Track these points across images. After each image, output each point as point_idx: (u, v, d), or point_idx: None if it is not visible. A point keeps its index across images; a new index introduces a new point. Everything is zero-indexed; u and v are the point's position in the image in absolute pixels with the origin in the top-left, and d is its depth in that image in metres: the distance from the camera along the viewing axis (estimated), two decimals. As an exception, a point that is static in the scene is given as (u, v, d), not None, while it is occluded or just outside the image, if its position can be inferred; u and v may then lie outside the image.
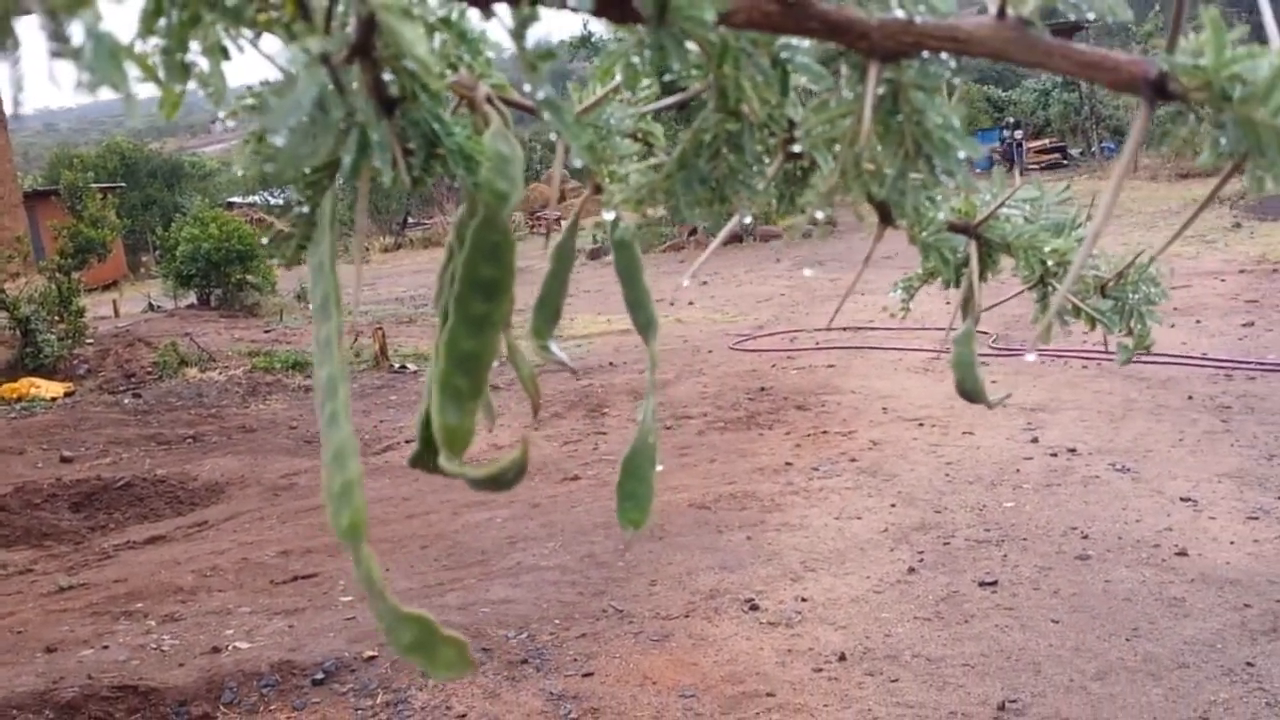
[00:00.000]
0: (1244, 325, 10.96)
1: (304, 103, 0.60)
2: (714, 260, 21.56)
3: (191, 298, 20.55)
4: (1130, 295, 1.19)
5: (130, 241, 34.27)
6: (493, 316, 0.72)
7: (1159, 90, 0.65)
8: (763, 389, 10.34)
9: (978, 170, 0.79)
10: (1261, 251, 15.35)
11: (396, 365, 13.26)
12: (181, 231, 19.44)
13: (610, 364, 12.19)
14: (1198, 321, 11.27)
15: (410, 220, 38.60)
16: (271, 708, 4.77)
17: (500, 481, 0.73)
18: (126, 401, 12.36)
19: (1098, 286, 1.19)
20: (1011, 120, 36.93)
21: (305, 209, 0.68)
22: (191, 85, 0.65)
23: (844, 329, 12.78)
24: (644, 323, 0.99)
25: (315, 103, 0.61)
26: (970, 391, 1.13)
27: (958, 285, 1.13)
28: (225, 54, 0.64)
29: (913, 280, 1.25)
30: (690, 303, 16.87)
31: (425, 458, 0.78)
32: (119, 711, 4.78)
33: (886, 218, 0.92)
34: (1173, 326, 11.04)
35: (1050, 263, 1.14)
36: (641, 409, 0.95)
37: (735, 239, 23.91)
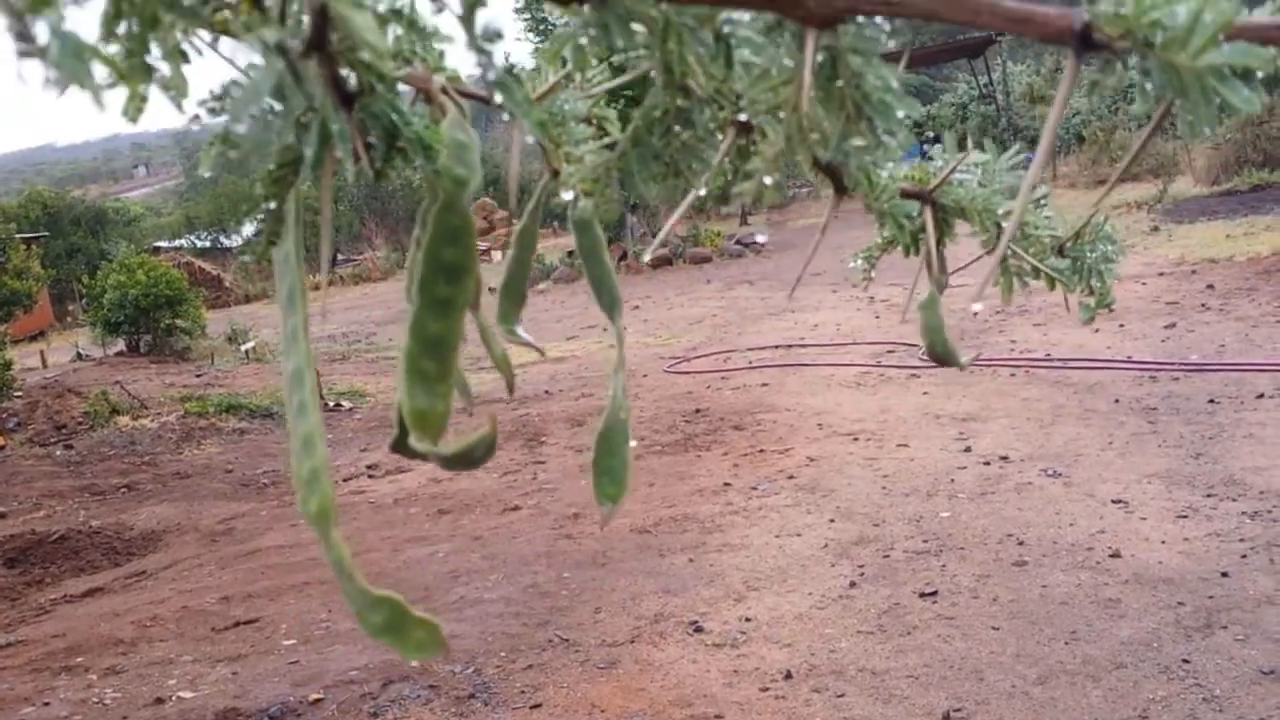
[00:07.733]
0: (1166, 327, 11.18)
1: (263, 90, 0.63)
2: (645, 284, 21.62)
3: (120, 345, 20.19)
4: (1088, 254, 1.23)
5: (56, 290, 33.72)
6: (457, 299, 0.73)
7: (1085, 41, 0.69)
8: (698, 410, 10.39)
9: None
10: (1180, 254, 15.65)
11: (331, 403, 13.15)
12: (108, 279, 19.11)
13: (546, 392, 12.17)
14: (1121, 325, 11.47)
15: (340, 257, 38.25)
16: (218, 757, 4.73)
17: (470, 458, 0.76)
18: (58, 453, 12.15)
19: (1055, 247, 1.22)
20: (931, 135, 37.39)
21: (272, 204, 0.70)
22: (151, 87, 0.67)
23: (776, 347, 12.87)
24: (608, 302, 1.03)
25: (274, 91, 0.64)
26: (942, 354, 1.15)
27: (917, 252, 1.16)
28: (185, 57, 0.67)
29: (872, 250, 1.26)
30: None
31: (403, 442, 0.79)
32: (62, 769, 4.72)
33: (840, 187, 0.95)
34: (1097, 331, 11.24)
35: (1005, 225, 1.17)
36: (611, 384, 0.98)
37: (666, 261, 24.05)
